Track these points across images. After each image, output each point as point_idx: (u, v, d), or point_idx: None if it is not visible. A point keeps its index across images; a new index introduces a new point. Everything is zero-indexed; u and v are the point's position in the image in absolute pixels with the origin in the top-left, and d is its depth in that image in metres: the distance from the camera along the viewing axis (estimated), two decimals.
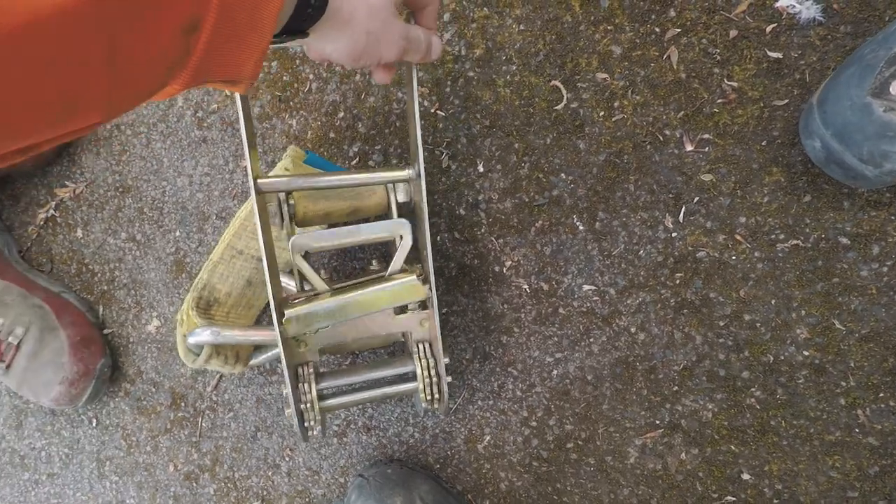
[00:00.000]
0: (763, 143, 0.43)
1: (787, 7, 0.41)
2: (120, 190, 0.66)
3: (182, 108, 0.62)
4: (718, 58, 0.43)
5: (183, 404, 0.65)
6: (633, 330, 0.48)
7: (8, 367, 0.62)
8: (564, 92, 0.48)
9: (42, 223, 0.67)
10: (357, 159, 0.55)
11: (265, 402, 0.61)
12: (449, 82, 0.52)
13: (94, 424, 0.70)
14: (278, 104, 0.59)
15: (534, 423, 0.52)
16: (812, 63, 0.41)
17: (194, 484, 0.65)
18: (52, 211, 0.67)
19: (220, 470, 0.65)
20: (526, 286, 0.50)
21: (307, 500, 0.62)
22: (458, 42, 0.50)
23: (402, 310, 0.44)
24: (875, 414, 0.43)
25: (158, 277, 0.65)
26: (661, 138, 0.46)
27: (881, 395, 0.42)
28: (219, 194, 0.61)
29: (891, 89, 0.36)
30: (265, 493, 0.63)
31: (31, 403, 0.72)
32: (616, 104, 0.47)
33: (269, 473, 0.63)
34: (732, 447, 0.46)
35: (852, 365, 0.43)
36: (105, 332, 0.66)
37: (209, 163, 0.62)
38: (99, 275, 0.67)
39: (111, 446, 0.69)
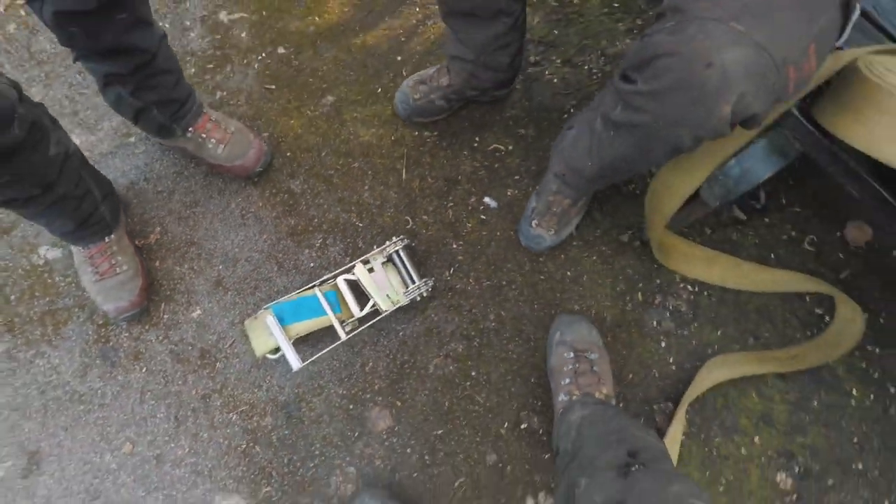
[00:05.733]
0: None
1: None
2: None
3: None
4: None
5: (206, 359, 1.05)
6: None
7: (101, 279, 0.98)
8: None
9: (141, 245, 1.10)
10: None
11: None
12: None
13: (143, 371, 1.07)
14: None
15: None
16: None
17: (208, 401, 1.05)
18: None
19: (225, 391, 1.02)
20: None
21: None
22: None
23: None
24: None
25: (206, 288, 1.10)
26: None
27: None
28: None
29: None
30: (248, 406, 1.05)
31: (97, 359, 1.07)
32: None
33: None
34: None
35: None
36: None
37: None
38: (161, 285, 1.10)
39: (153, 382, 1.06)
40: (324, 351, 0.97)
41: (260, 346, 0.97)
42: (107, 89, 0.92)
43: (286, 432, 1.00)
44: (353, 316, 0.98)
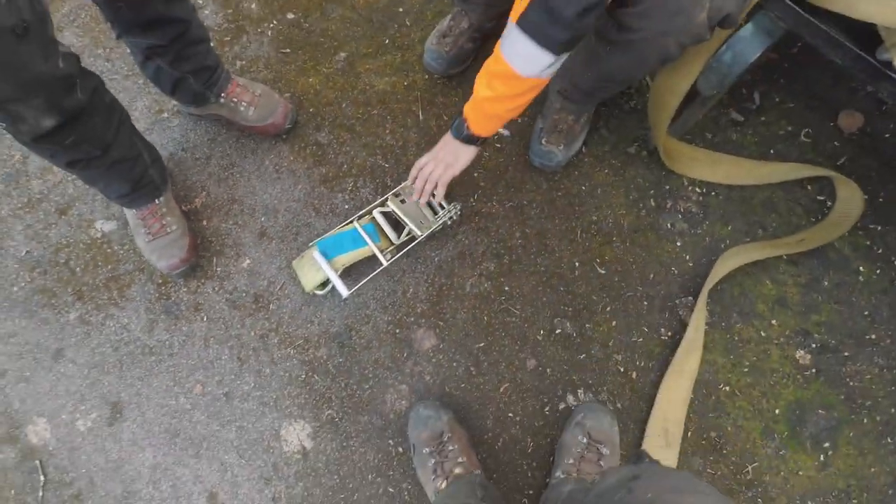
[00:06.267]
0: None
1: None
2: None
3: None
4: None
5: (260, 303, 1.14)
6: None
7: (153, 239, 1.07)
8: None
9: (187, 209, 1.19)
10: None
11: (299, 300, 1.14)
12: None
13: (204, 320, 1.16)
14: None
15: None
16: None
17: (266, 340, 1.15)
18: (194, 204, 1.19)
19: (281, 329, 1.11)
20: None
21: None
22: None
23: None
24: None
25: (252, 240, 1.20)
26: None
27: None
28: None
29: None
30: (303, 340, 1.15)
31: (161, 315, 1.17)
32: None
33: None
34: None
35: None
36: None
37: None
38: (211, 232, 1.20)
39: (214, 329, 1.15)
40: (368, 277, 1.06)
41: (308, 282, 1.06)
42: (147, 63, 1.00)
43: (340, 360, 1.09)
44: (391, 244, 1.07)
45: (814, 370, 1.06)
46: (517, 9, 0.67)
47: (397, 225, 1.08)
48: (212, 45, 1.06)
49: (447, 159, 0.92)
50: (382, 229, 1.07)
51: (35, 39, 0.67)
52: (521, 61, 0.70)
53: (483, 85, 0.77)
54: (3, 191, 1.21)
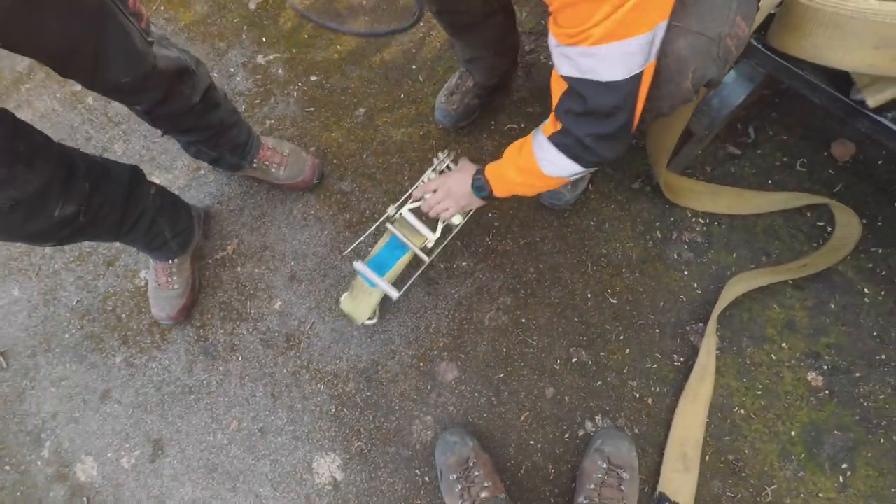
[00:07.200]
0: None
1: None
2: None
3: None
4: None
5: (291, 342, 1.21)
6: None
7: (158, 288, 1.16)
8: None
9: (218, 259, 1.29)
10: None
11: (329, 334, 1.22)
12: None
13: (239, 359, 1.24)
14: None
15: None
16: None
17: (298, 377, 1.22)
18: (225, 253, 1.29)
19: (311, 365, 1.18)
20: None
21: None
22: None
23: None
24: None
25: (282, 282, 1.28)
26: None
27: None
28: None
29: None
30: (333, 376, 1.21)
31: (200, 356, 1.25)
32: None
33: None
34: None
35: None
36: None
37: None
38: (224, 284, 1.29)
39: (249, 368, 1.23)
40: (414, 277, 1.13)
41: (360, 315, 1.10)
42: (189, 147, 1.13)
43: (368, 394, 1.16)
44: (426, 240, 1.06)
45: (827, 392, 1.09)
46: (549, 127, 0.76)
47: (429, 220, 1.07)
48: (243, 117, 1.17)
49: (460, 202, 0.98)
50: (416, 227, 1.07)
51: (26, 208, 0.78)
52: (551, 166, 0.79)
53: (512, 169, 0.86)
54: (56, 247, 1.32)
